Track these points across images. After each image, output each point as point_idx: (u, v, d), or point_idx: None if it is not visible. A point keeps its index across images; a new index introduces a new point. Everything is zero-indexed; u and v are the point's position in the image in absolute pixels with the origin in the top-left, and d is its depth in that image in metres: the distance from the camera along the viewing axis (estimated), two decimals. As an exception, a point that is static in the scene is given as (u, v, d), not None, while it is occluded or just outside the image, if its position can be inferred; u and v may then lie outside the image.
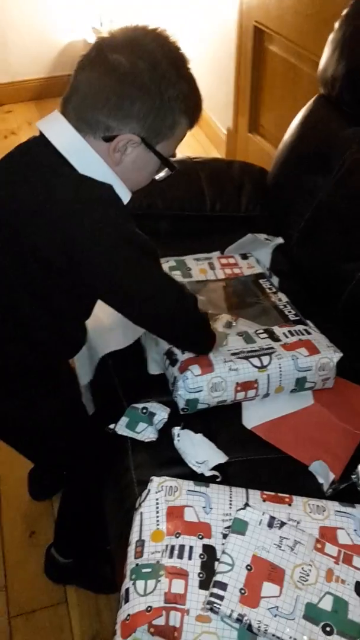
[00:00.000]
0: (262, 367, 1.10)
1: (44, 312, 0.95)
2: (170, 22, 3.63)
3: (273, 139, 2.51)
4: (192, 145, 3.27)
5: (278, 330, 1.19)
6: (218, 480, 1.01)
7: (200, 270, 1.41)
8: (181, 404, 1.11)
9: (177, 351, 1.13)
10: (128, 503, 1.00)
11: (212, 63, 3.07)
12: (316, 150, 1.51)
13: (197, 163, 1.75)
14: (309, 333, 1.19)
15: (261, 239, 1.48)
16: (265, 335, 1.17)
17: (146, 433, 1.09)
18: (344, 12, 1.44)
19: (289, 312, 1.28)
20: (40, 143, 0.89)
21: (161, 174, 0.96)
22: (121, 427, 1.11)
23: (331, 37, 1.47)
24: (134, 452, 1.09)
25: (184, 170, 1.73)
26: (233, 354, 1.11)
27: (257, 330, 1.19)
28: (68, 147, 0.87)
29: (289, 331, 1.19)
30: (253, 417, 1.12)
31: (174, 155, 1.01)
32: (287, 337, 1.17)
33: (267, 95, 2.51)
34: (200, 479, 1.00)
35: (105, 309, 0.98)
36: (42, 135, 0.90)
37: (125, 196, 0.90)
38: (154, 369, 1.22)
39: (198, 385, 1.07)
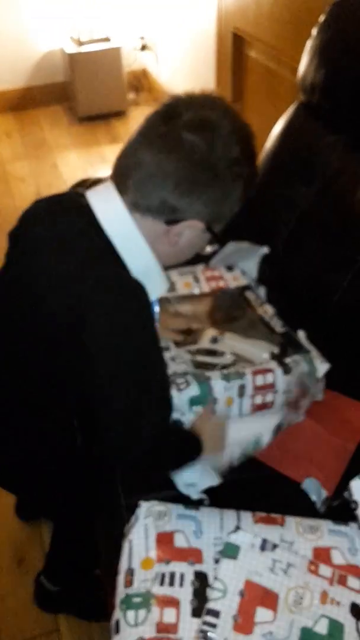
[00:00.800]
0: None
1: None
2: (150, 31, 3.66)
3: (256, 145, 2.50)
4: (173, 152, 3.25)
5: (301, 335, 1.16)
6: (206, 503, 0.98)
7: (184, 284, 1.39)
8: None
9: None
10: (117, 529, 0.98)
11: (191, 69, 3.07)
12: (298, 159, 1.50)
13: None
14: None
15: (244, 246, 1.46)
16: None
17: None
18: (321, 18, 1.44)
19: (276, 324, 1.27)
20: (84, 217, 0.84)
21: (208, 249, 0.93)
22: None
23: (309, 44, 1.46)
24: (122, 474, 1.07)
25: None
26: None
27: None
28: (119, 232, 0.82)
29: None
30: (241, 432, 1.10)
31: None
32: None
33: (248, 101, 2.50)
34: (190, 501, 0.98)
35: None
36: (87, 207, 0.84)
37: (159, 289, 0.88)
38: None
39: (185, 404, 1.05)
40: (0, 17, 3.35)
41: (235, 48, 2.44)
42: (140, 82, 3.82)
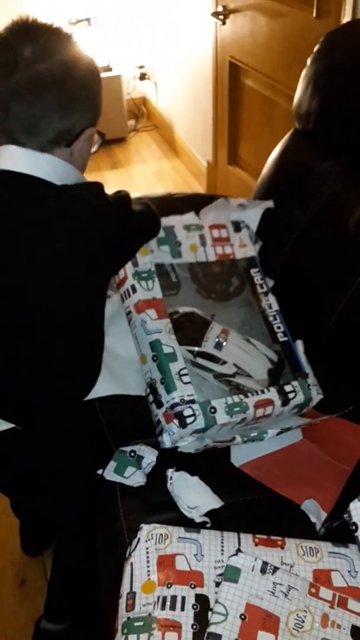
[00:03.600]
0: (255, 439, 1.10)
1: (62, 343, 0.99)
2: (149, 60, 3.74)
3: (252, 171, 2.54)
4: (173, 178, 3.31)
5: (299, 347, 1.17)
6: (208, 526, 0.99)
7: (190, 246, 1.29)
8: (164, 446, 1.09)
9: (160, 388, 1.08)
10: (118, 552, 0.98)
11: (190, 98, 3.12)
12: (294, 183, 1.53)
13: (178, 199, 1.76)
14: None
15: (234, 205, 1.39)
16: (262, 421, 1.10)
17: (134, 477, 1.08)
18: (315, 48, 1.48)
19: (278, 328, 1.24)
20: (11, 179, 0.89)
21: (95, 148, 1.00)
22: (109, 473, 1.09)
23: (304, 73, 1.50)
24: (122, 497, 1.08)
25: (166, 206, 1.75)
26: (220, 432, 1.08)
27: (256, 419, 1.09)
28: (48, 170, 0.89)
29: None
30: (241, 455, 1.11)
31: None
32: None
33: (245, 128, 2.55)
34: (191, 523, 0.98)
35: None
36: (8, 172, 0.89)
37: None
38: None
39: (183, 439, 1.07)
40: None
41: (232, 76, 2.49)
42: (140, 109, 3.89)
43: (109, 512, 1.07)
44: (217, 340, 1.18)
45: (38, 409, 1.05)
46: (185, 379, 1.09)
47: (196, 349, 1.18)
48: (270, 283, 1.36)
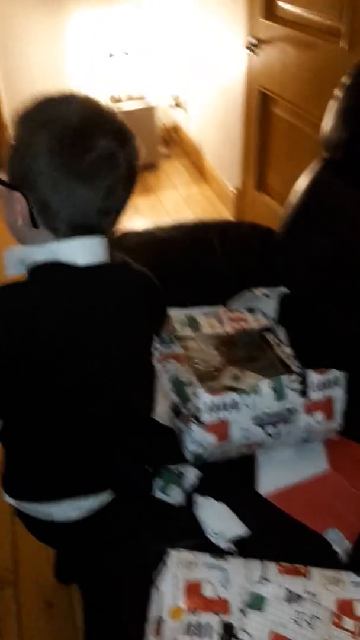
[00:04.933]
0: (275, 435, 1.11)
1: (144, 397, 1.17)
2: (181, 87, 3.82)
3: (280, 198, 2.57)
4: (202, 204, 3.36)
5: (313, 377, 1.14)
6: (233, 553, 1.00)
7: (209, 325, 1.44)
8: (189, 457, 1.12)
9: (180, 405, 1.16)
10: (143, 576, 1.00)
11: (220, 126, 3.18)
12: (321, 212, 1.55)
13: (207, 225, 1.81)
14: (336, 384, 1.16)
15: (259, 295, 1.51)
16: (296, 386, 1.12)
17: (175, 496, 1.09)
18: (344, 81, 1.50)
19: (293, 364, 1.29)
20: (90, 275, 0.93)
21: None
22: (156, 490, 1.11)
23: (332, 104, 1.53)
24: (149, 520, 1.09)
25: (196, 233, 1.79)
26: (254, 418, 1.10)
27: (291, 379, 1.13)
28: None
29: (322, 382, 1.14)
30: (267, 484, 1.12)
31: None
32: (315, 390, 1.13)
33: (273, 155, 2.59)
34: (217, 549, 0.99)
35: None
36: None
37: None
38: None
39: (205, 439, 1.08)
40: (43, 77, 3.56)
41: (261, 105, 2.54)
42: (172, 136, 3.97)
43: (134, 534, 1.09)
44: (233, 373, 1.23)
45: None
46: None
47: (215, 383, 1.23)
48: (282, 333, 1.43)
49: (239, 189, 3.01)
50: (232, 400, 1.08)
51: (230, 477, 1.15)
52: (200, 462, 1.12)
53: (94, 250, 0.91)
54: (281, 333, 1.42)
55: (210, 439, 1.08)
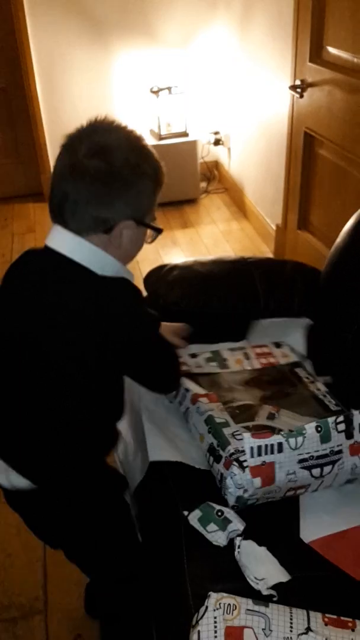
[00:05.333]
0: (320, 477, 1.09)
1: (83, 406, 1.03)
2: (223, 124, 3.90)
3: (322, 236, 2.57)
4: (241, 239, 3.38)
5: (357, 417, 1.11)
6: (275, 599, 0.97)
7: (236, 360, 1.44)
8: (231, 501, 1.10)
9: (218, 449, 1.14)
10: (182, 618, 0.97)
11: (262, 163, 3.22)
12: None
13: (250, 263, 1.81)
14: None
15: (281, 321, 1.53)
16: (342, 427, 1.10)
17: (216, 536, 1.07)
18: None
19: (329, 401, 1.28)
20: (53, 258, 0.98)
21: (149, 239, 1.07)
22: (194, 519, 1.10)
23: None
24: (189, 560, 1.07)
25: (238, 270, 1.79)
26: (300, 461, 1.08)
27: (337, 421, 1.09)
28: (85, 256, 0.97)
29: None
30: (311, 531, 1.10)
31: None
32: None
33: (317, 194, 2.60)
34: (258, 594, 0.97)
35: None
36: (51, 251, 0.99)
37: (130, 277, 1.03)
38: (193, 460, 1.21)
39: (249, 483, 1.06)
40: (89, 112, 3.65)
41: (306, 146, 2.56)
42: (212, 172, 4.03)
43: (174, 574, 1.07)
44: (269, 413, 1.22)
45: (53, 466, 1.07)
46: (239, 437, 1.15)
47: (250, 423, 1.22)
48: (309, 366, 1.43)
49: (279, 226, 3.02)
50: (277, 443, 1.07)
51: (273, 521, 1.12)
52: (242, 505, 1.10)
53: (62, 239, 0.98)
54: (309, 366, 1.41)
55: (255, 482, 1.06)
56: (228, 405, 1.27)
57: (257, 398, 1.31)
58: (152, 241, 1.07)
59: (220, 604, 0.91)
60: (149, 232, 1.05)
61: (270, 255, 3.15)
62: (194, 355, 1.45)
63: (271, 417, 1.22)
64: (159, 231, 1.05)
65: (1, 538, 1.74)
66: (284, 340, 1.51)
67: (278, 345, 1.49)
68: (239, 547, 1.05)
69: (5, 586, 1.61)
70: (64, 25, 3.41)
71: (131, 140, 1.00)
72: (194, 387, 1.31)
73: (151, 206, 1.03)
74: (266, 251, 3.22)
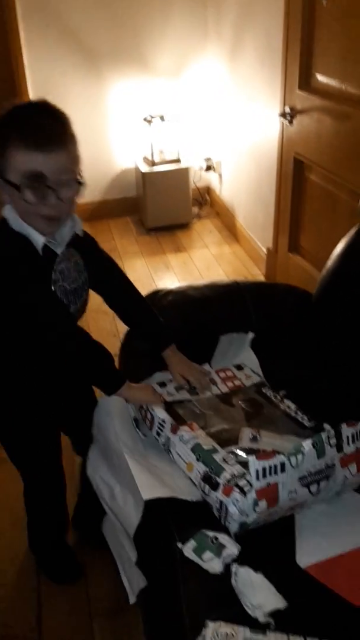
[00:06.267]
0: (317, 492, 1.10)
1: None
2: (214, 150, 3.95)
3: (312, 259, 2.60)
4: (233, 262, 3.41)
5: (345, 430, 1.13)
6: (272, 627, 0.96)
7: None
8: (234, 528, 1.09)
9: (212, 476, 1.13)
10: (180, 648, 0.96)
11: (253, 188, 3.26)
12: (358, 277, 1.56)
13: (241, 285, 1.82)
14: None
15: (235, 336, 1.55)
16: (333, 441, 1.11)
17: (212, 564, 1.06)
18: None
19: (302, 418, 1.32)
20: None
21: (58, 208, 1.14)
22: (188, 550, 1.08)
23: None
24: (185, 586, 1.06)
25: (229, 292, 1.80)
26: (300, 479, 1.09)
27: (329, 435, 1.11)
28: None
29: (352, 434, 1.14)
30: (308, 555, 1.09)
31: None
32: (349, 444, 1.13)
33: (307, 218, 2.63)
34: (256, 623, 0.96)
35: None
36: None
37: (38, 239, 1.17)
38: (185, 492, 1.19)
39: (252, 507, 1.06)
40: (84, 140, 3.70)
41: (296, 170, 2.60)
42: (204, 197, 4.07)
43: (170, 605, 1.05)
44: (251, 435, 1.23)
45: None
46: (231, 462, 1.16)
47: (236, 447, 1.22)
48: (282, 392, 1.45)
49: (270, 250, 3.05)
50: (281, 463, 1.07)
51: (268, 544, 1.11)
52: (243, 531, 1.09)
53: None
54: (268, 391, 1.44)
55: (261, 505, 1.05)
56: (207, 430, 1.28)
57: (233, 421, 1.32)
58: (41, 203, 1.13)
59: (217, 633, 0.90)
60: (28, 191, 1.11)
61: (261, 277, 3.17)
62: (162, 384, 1.43)
63: (254, 439, 1.23)
64: (16, 187, 1.10)
65: (-6, 568, 1.71)
66: (238, 358, 1.54)
67: (239, 367, 1.52)
68: (235, 573, 1.03)
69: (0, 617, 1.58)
70: (59, 55, 3.47)
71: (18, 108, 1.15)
72: (167, 416, 1.29)
73: (5, 158, 1.10)
74: (258, 274, 3.24)
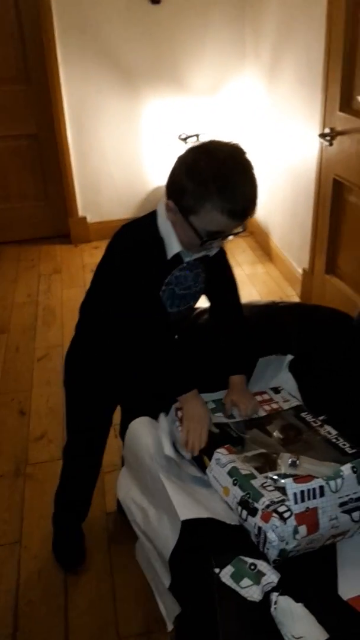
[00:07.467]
0: (359, 520, 1.06)
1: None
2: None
3: (351, 281, 2.56)
4: (267, 282, 3.38)
5: None
6: (317, 660, 0.92)
7: None
8: (273, 555, 1.05)
9: (250, 502, 1.10)
10: None
11: (289, 209, 3.24)
12: None
13: (282, 308, 1.80)
14: None
15: (272, 359, 1.53)
16: None
17: (251, 591, 1.03)
18: None
19: (344, 444, 1.26)
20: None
21: (212, 250, 1.30)
22: (226, 576, 1.05)
23: None
24: (222, 617, 1.03)
25: (268, 314, 1.78)
26: (341, 505, 1.06)
27: None
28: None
29: None
30: (350, 586, 1.05)
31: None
32: None
33: (345, 239, 2.60)
34: (298, 656, 0.92)
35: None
36: None
37: (174, 247, 1.27)
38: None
39: (291, 533, 1.02)
40: (120, 158, 3.76)
41: (335, 192, 2.58)
42: (238, 216, 4.06)
43: (205, 627, 1.02)
44: (290, 461, 1.20)
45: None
46: (270, 488, 1.12)
47: (275, 473, 1.19)
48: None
49: (306, 270, 3.02)
50: (319, 487, 1.04)
51: (309, 573, 1.08)
52: (283, 559, 1.06)
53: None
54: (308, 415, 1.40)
55: (300, 530, 1.03)
56: (244, 455, 1.25)
57: (270, 446, 1.29)
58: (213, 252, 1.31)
59: (258, 664, 0.87)
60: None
61: (296, 298, 3.14)
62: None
63: (293, 464, 1.19)
64: (200, 238, 1.20)
65: (22, 584, 1.70)
66: (276, 381, 1.52)
67: (276, 390, 1.49)
68: (275, 603, 1.00)
69: (27, 635, 1.56)
70: (96, 74, 3.53)
71: (219, 158, 1.24)
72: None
73: (198, 214, 1.18)
74: (292, 294, 3.21)
